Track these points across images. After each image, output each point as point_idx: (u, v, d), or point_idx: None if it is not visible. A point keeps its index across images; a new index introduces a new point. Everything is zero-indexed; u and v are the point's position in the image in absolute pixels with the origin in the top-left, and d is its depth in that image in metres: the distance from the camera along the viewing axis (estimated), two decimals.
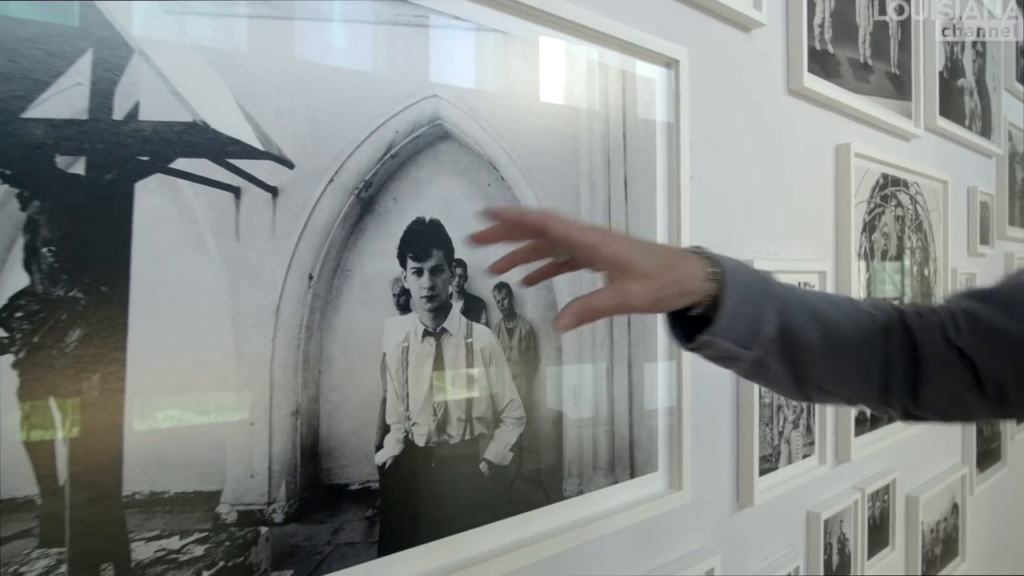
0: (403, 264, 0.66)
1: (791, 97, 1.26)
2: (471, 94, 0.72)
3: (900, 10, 1.62)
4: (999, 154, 2.29)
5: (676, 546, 0.99)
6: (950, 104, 1.91)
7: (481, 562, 0.71)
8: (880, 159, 1.51)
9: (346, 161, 0.62)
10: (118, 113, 0.50)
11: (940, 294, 1.81)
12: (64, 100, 0.48)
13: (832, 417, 1.36)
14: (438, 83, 0.69)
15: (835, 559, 1.36)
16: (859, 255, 1.44)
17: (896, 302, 0.56)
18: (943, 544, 1.85)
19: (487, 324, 0.74)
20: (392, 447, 0.65)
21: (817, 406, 1.30)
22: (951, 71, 1.95)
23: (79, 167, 0.48)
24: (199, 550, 0.53)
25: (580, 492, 0.83)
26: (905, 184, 1.65)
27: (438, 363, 0.69)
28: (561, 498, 0.81)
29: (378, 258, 0.64)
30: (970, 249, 2.08)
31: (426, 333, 0.68)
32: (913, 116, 1.67)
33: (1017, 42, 2.50)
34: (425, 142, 0.68)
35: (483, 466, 0.73)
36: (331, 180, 0.61)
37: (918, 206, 1.71)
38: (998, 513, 2.27)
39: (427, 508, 0.68)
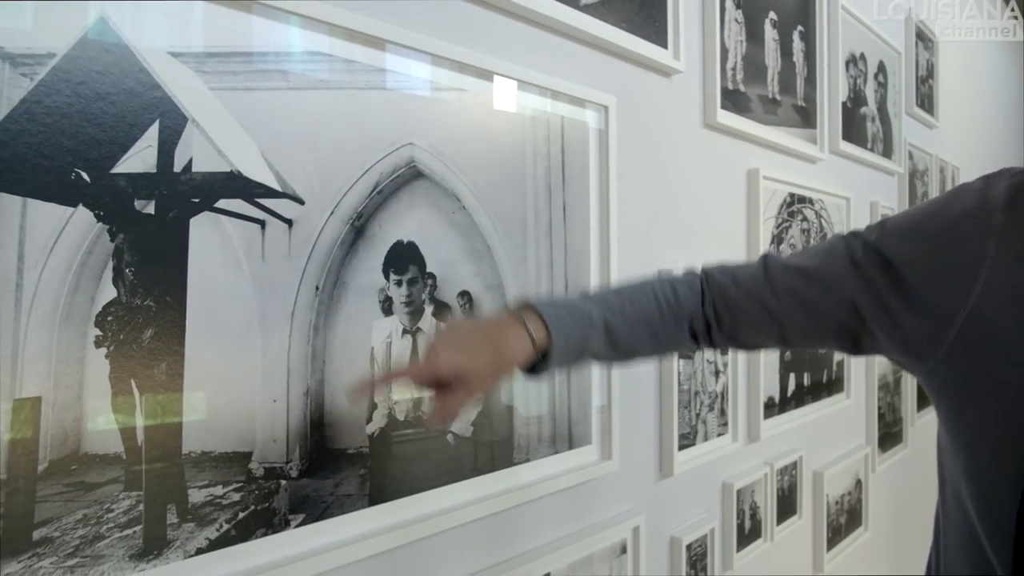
0: (387, 277, 0.84)
1: (707, 130, 1.49)
2: (439, 140, 0.90)
3: (802, 36, 1.87)
4: (900, 172, 2.59)
5: (608, 507, 1.19)
6: (853, 129, 2.18)
7: (448, 512, 0.89)
8: (787, 180, 1.76)
9: (343, 197, 0.80)
10: (177, 167, 0.67)
11: None
12: (139, 159, 0.64)
13: (744, 402, 1.59)
14: (413, 132, 0.87)
15: (747, 523, 1.59)
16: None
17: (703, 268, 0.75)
18: (847, 515, 2.11)
19: None
20: (379, 421, 0.83)
21: (729, 394, 1.52)
22: (854, 100, 2.22)
23: (150, 208, 0.65)
24: (236, 496, 0.70)
25: (527, 460, 1.02)
26: (810, 201, 1.90)
27: (414, 355, 0.87)
28: (512, 464, 1.00)
29: (367, 272, 0.82)
30: None
31: (405, 331, 0.86)
32: (818, 142, 1.93)
33: (917, 72, 2.81)
34: (403, 180, 0.86)
35: (449, 437, 0.91)
36: (332, 212, 0.79)
37: (822, 220, 1.97)
38: (899, 489, 2.57)
39: (406, 469, 0.86)
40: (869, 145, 2.30)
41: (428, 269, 0.89)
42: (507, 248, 0.99)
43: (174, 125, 0.66)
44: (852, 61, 2.22)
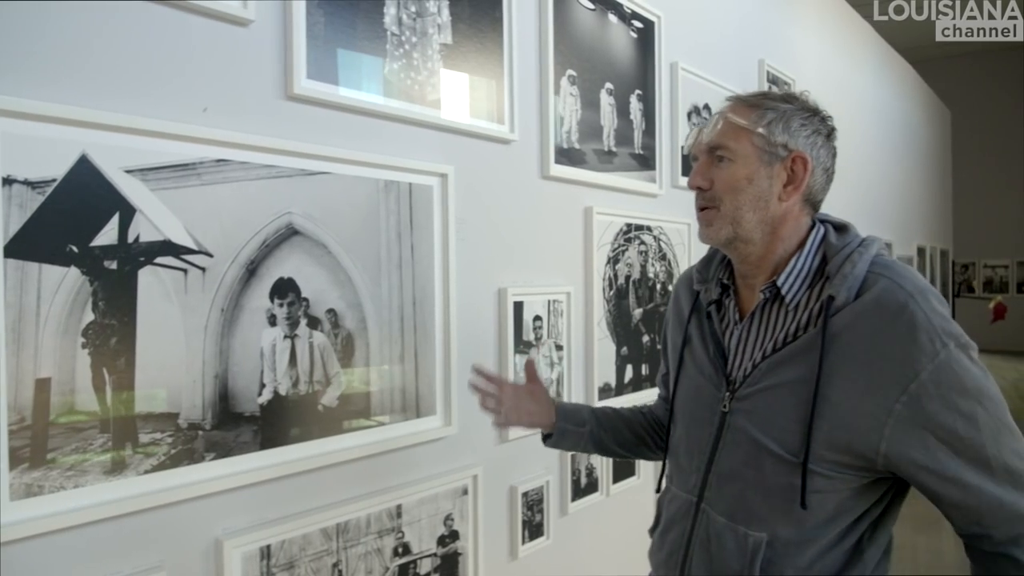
0: (272, 301, 1.29)
1: (544, 181, 1.96)
2: (311, 208, 1.35)
3: (640, 98, 2.37)
4: None
5: (452, 461, 1.65)
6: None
7: (318, 456, 1.34)
8: (623, 213, 2.25)
9: (240, 251, 1.24)
10: (131, 238, 1.10)
11: None
12: (107, 236, 1.08)
13: (582, 386, 2.07)
14: (292, 205, 1.32)
15: (583, 480, 2.07)
16: (603, 279, 2.17)
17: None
18: None
19: (322, 331, 1.37)
20: (267, 395, 1.27)
21: (565, 380, 2.00)
22: None
23: (114, 265, 1.09)
24: (170, 440, 1.14)
25: (381, 424, 1.47)
26: (649, 228, 2.40)
27: (292, 353, 1.32)
28: (370, 427, 1.45)
29: (258, 299, 1.27)
30: None
31: (286, 336, 1.31)
32: (658, 180, 2.43)
33: None
34: (284, 237, 1.31)
35: (320, 407, 1.36)
36: (233, 261, 1.23)
37: (661, 243, 2.47)
38: None
39: (287, 427, 1.30)
40: None
41: (303, 295, 1.34)
42: (364, 278, 1.45)
43: (127, 213, 1.10)
44: (695, 111, 2.73)
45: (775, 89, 1.02)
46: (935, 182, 7.22)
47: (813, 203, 0.97)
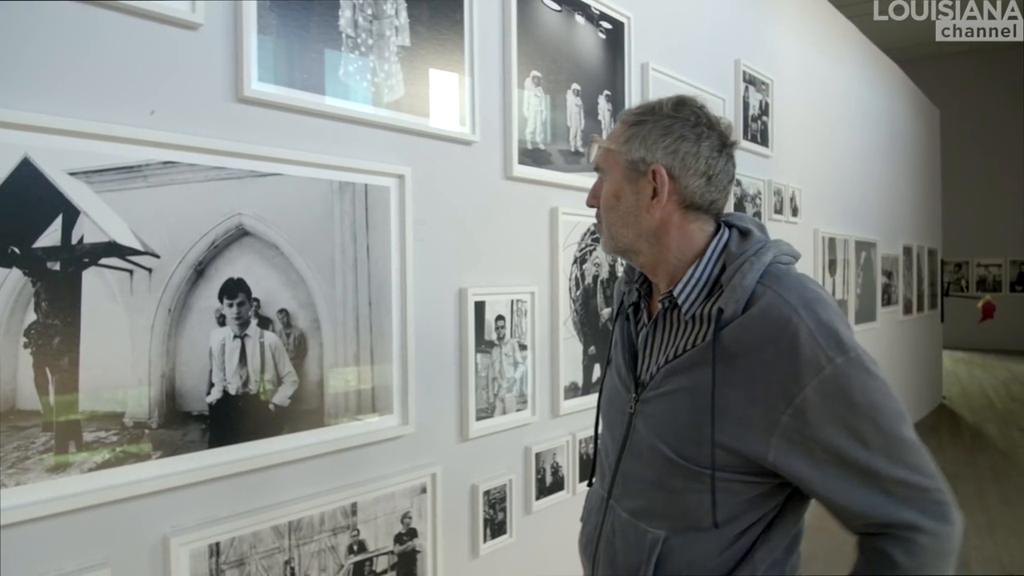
0: (221, 300, 1.30)
1: (508, 181, 1.98)
2: (262, 210, 1.36)
3: (609, 98, 2.38)
4: None
5: (409, 460, 1.67)
6: None
7: (269, 455, 1.35)
8: (590, 214, 2.26)
9: (189, 252, 1.26)
10: (75, 240, 1.12)
11: None
12: (49, 237, 1.10)
13: (547, 386, 2.09)
14: (242, 206, 1.33)
15: (548, 478, 2.09)
16: (570, 279, 2.19)
17: None
18: None
19: (273, 331, 1.39)
20: (215, 394, 1.29)
21: (529, 380, 2.01)
22: None
23: (57, 266, 1.10)
24: (115, 438, 1.16)
25: (336, 423, 1.49)
26: None
27: (243, 353, 1.33)
28: (323, 426, 1.47)
29: (207, 299, 1.28)
30: None
31: (236, 336, 1.32)
32: None
33: (747, 111, 3.37)
34: (234, 238, 1.33)
35: (271, 407, 1.38)
36: (180, 261, 1.25)
37: None
38: None
39: (236, 426, 1.32)
40: None
41: (254, 295, 1.35)
42: (318, 279, 1.46)
43: (71, 215, 1.12)
44: None
45: (697, 97, 1.02)
46: (923, 181, 7.24)
47: (701, 208, 0.95)
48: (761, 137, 3.54)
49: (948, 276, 11.70)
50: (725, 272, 0.91)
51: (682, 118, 0.94)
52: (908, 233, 6.54)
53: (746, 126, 3.39)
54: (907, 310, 6.40)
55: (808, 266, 4.09)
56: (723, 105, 3.14)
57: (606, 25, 2.37)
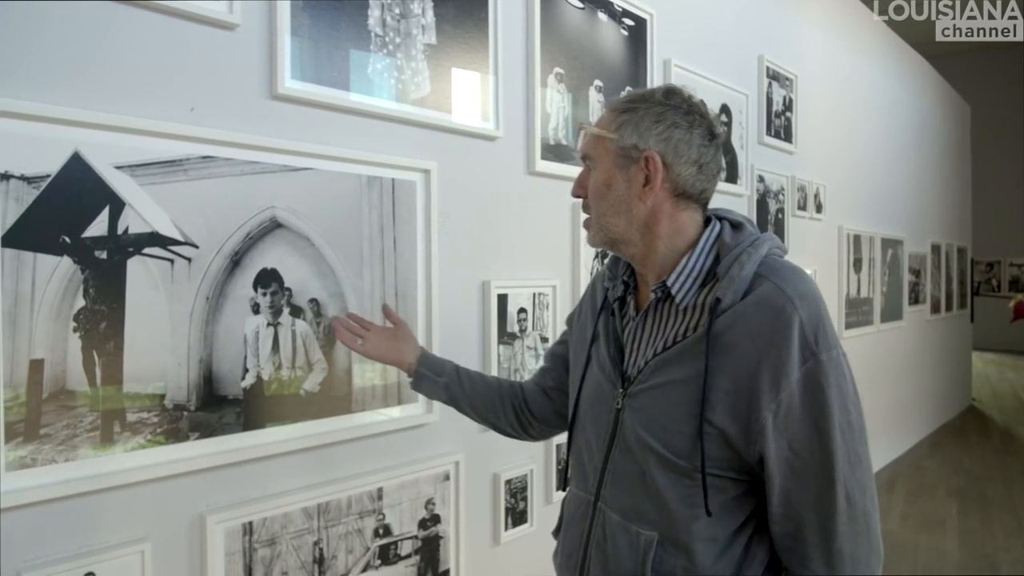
0: (255, 290, 1.36)
1: (531, 177, 2.01)
2: (294, 203, 1.42)
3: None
4: (747, 194, 3.14)
5: (434, 448, 1.72)
6: None
7: (300, 439, 1.41)
8: None
9: (226, 242, 1.32)
10: (120, 230, 1.18)
11: None
12: (97, 227, 1.16)
13: None
14: (275, 199, 1.39)
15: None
16: (591, 272, 2.21)
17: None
18: None
19: (304, 319, 1.44)
20: (249, 379, 1.35)
21: None
22: None
23: (104, 255, 1.16)
24: (156, 419, 1.22)
25: (363, 410, 1.54)
26: None
27: (275, 340, 1.39)
28: (350, 412, 1.52)
29: (242, 288, 1.34)
30: None
31: (269, 324, 1.38)
32: None
33: (771, 108, 3.36)
34: (267, 230, 1.38)
35: (302, 392, 1.44)
36: (218, 252, 1.31)
37: None
38: None
39: (269, 410, 1.38)
40: None
41: (286, 285, 1.41)
42: (347, 270, 1.51)
43: (117, 207, 1.18)
44: None
45: (687, 87, 1.01)
46: (953, 179, 7.12)
47: (692, 198, 0.95)
48: (784, 133, 3.53)
49: (979, 276, 11.45)
50: (721, 263, 0.90)
51: (673, 106, 0.93)
52: (937, 231, 6.44)
53: (769, 122, 3.38)
54: (935, 309, 6.31)
55: (832, 263, 4.07)
56: (746, 101, 3.14)
57: (628, 22, 2.39)
